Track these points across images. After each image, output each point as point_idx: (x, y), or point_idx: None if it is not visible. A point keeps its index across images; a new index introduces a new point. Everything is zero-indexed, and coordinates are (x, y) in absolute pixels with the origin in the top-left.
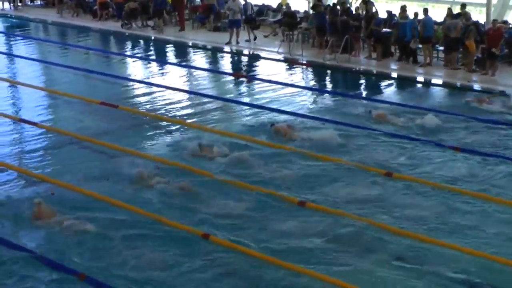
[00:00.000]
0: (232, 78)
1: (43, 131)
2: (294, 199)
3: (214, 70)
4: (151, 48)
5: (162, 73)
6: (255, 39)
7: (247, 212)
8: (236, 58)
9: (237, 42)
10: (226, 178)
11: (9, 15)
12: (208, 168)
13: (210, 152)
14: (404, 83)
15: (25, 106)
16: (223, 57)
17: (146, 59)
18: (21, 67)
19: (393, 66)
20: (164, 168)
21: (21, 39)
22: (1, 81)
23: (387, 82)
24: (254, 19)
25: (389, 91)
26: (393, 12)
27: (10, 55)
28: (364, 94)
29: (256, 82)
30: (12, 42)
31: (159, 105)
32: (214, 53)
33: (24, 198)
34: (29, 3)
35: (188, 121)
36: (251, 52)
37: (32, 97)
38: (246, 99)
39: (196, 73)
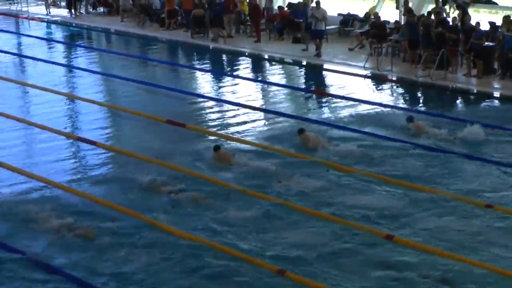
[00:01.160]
0: (312, 95)
1: (102, 151)
2: (379, 231)
3: (292, 86)
4: (223, 60)
5: (235, 88)
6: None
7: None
8: (317, 72)
9: (319, 55)
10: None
11: (69, 24)
12: None
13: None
14: (509, 104)
15: (84, 123)
16: (302, 71)
17: (217, 72)
18: (80, 80)
19: (496, 85)
20: (236, 194)
21: (81, 50)
22: (59, 95)
23: (488, 102)
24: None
25: (491, 112)
26: (497, 24)
27: (69, 67)
28: (461, 115)
29: (339, 100)
30: (71, 53)
31: (231, 125)
32: (292, 67)
33: (86, 222)
34: (91, 10)
35: (265, 143)
36: (334, 67)
37: (91, 113)
38: (327, 119)
39: (272, 89)
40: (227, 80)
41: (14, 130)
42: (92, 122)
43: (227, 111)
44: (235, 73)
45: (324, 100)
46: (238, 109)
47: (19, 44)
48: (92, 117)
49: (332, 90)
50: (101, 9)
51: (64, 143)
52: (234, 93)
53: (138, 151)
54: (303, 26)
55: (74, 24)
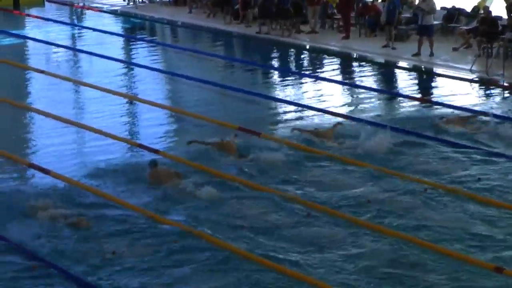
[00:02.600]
0: (411, 102)
1: (166, 161)
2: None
3: (384, 90)
4: (305, 59)
5: (318, 92)
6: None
7: None
8: (414, 75)
9: (431, 54)
10: None
11: (130, 14)
12: None
13: None
14: None
15: (145, 128)
16: (399, 74)
17: (298, 73)
18: (141, 79)
19: None
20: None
21: (142, 44)
22: (117, 95)
23: None
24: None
25: None
26: None
27: (129, 64)
28: None
29: (442, 108)
30: (132, 48)
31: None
32: (387, 69)
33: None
34: None
35: (358, 160)
36: (435, 69)
37: (153, 117)
38: (430, 130)
39: (361, 93)
40: (309, 82)
41: (64, 133)
42: (153, 127)
43: (308, 118)
44: (319, 75)
45: (423, 106)
46: (322, 115)
47: (73, 36)
48: (153, 122)
49: (432, 96)
50: None
51: (125, 150)
52: (317, 97)
53: (205, 163)
54: (401, 21)
55: (135, 15)
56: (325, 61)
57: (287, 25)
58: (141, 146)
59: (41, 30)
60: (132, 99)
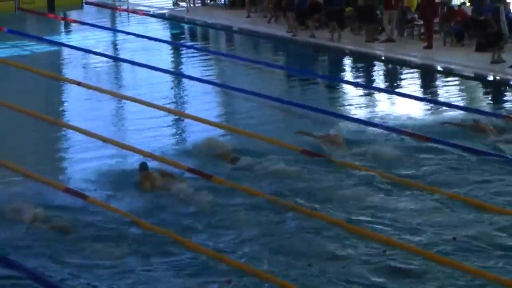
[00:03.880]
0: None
1: (222, 188)
2: None
3: (476, 109)
4: (380, 71)
5: (395, 109)
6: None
7: None
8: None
9: None
10: None
11: (180, 18)
12: None
13: None
14: None
15: (197, 151)
16: (489, 90)
17: (371, 87)
18: (191, 92)
19: None
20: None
21: (193, 53)
22: (164, 111)
23: None
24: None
25: None
26: None
27: (177, 75)
28: None
29: None
30: (181, 56)
31: (396, 162)
32: (475, 84)
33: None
34: (208, 1)
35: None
36: None
37: (201, 137)
38: None
39: (447, 111)
40: (385, 98)
41: (99, 150)
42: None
43: (389, 141)
44: (396, 89)
45: None
46: (401, 139)
47: (115, 43)
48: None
49: None
50: (222, 0)
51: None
52: (395, 116)
53: (269, 191)
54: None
55: (185, 20)
56: (403, 74)
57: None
58: (191, 170)
59: (79, 36)
60: (178, 115)
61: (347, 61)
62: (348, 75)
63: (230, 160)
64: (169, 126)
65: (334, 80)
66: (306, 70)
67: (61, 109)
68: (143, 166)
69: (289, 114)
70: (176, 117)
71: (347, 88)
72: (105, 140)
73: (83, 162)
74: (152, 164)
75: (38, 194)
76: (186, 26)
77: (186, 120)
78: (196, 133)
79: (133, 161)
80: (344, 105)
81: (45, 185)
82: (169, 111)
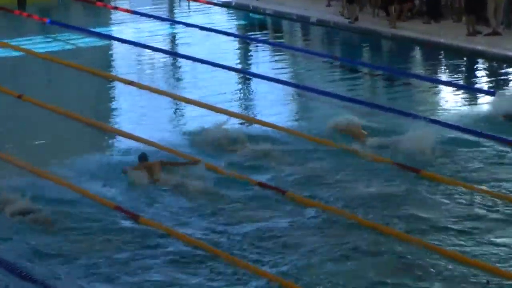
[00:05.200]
0: None
1: (322, 216)
2: None
3: None
4: (484, 70)
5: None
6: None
7: None
8: None
9: None
10: None
11: (250, 8)
12: None
13: None
14: None
15: (287, 170)
16: None
17: (470, 88)
18: (260, 94)
19: None
20: None
21: (263, 47)
22: (228, 115)
23: None
24: None
25: None
26: None
27: (245, 74)
28: None
29: None
30: (249, 52)
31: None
32: None
33: None
34: None
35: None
36: None
37: (277, 148)
38: None
39: None
40: (485, 103)
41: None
42: (279, 164)
43: (493, 157)
44: (505, 92)
45: None
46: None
47: (172, 36)
48: (280, 155)
49: None
50: None
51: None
52: (495, 126)
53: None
54: None
55: (254, 9)
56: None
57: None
58: (262, 184)
59: (131, 28)
60: (245, 120)
61: (441, 57)
62: (442, 73)
63: None
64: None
65: (430, 81)
66: (395, 68)
67: (108, 112)
68: (143, 156)
69: (375, 118)
70: (242, 121)
71: (443, 90)
72: (160, 148)
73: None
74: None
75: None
76: (255, 16)
77: (255, 126)
78: (268, 141)
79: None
80: (437, 108)
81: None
82: (233, 115)
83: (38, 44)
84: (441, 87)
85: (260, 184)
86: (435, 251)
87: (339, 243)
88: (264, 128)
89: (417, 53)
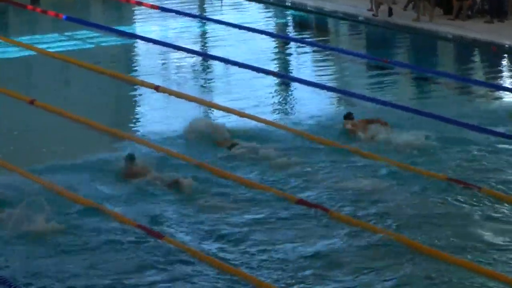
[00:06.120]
0: None
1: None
2: None
3: None
4: None
5: None
6: None
7: None
8: None
9: None
10: None
11: (289, 4)
12: None
13: None
14: None
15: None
16: None
17: None
18: (302, 101)
19: None
20: None
21: (305, 49)
22: (267, 124)
23: None
24: None
25: None
26: None
27: (283, 78)
28: None
29: None
30: (288, 54)
31: None
32: None
33: None
34: None
35: None
36: None
37: (325, 167)
38: None
39: None
40: None
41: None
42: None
43: None
44: None
45: None
46: None
47: (203, 35)
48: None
49: None
50: None
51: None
52: None
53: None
54: None
55: (294, 5)
56: None
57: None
58: (302, 202)
59: (158, 25)
60: (284, 129)
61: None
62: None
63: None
64: (275, 142)
65: (494, 87)
66: (462, 77)
67: (130, 121)
68: (130, 157)
69: (428, 127)
70: (283, 132)
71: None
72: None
73: None
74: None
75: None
76: (296, 14)
77: (297, 137)
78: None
79: None
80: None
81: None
82: (272, 124)
83: (53, 43)
84: (504, 94)
85: (301, 202)
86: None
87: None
88: (306, 140)
89: (478, 56)
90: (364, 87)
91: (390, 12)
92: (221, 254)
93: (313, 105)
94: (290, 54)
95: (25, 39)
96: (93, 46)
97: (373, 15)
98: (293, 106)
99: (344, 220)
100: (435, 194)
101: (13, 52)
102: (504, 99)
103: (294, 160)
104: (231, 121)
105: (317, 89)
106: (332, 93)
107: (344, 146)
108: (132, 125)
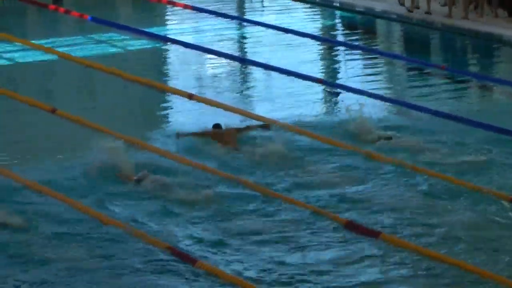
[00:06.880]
0: None
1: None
2: None
3: None
4: None
5: None
6: None
7: None
8: None
9: None
10: None
11: (338, 5)
12: None
13: None
14: None
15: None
16: None
17: None
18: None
19: None
20: None
21: (354, 55)
22: (312, 138)
23: None
24: None
25: None
26: None
27: (331, 86)
28: None
29: None
30: (336, 59)
31: None
32: None
33: None
34: None
35: None
36: None
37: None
38: None
39: None
40: None
41: None
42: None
43: None
44: None
45: None
46: None
47: (241, 38)
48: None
49: None
50: None
51: None
52: None
53: None
54: None
55: (343, 5)
56: None
57: None
58: (352, 224)
59: (191, 27)
60: (330, 143)
61: None
62: None
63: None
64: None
65: None
66: None
67: (162, 135)
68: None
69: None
70: (330, 146)
71: None
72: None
73: None
74: None
75: None
76: (345, 15)
77: (349, 156)
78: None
79: None
80: None
81: None
82: (318, 138)
83: (77, 46)
84: None
85: (350, 224)
86: None
87: None
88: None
89: None
90: (418, 96)
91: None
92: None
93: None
94: (337, 59)
95: (46, 42)
96: (120, 50)
97: (408, 10)
98: (341, 118)
99: (396, 243)
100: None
101: (33, 56)
102: None
103: (347, 179)
104: (271, 134)
105: (370, 99)
106: (383, 102)
107: (405, 163)
108: (162, 137)
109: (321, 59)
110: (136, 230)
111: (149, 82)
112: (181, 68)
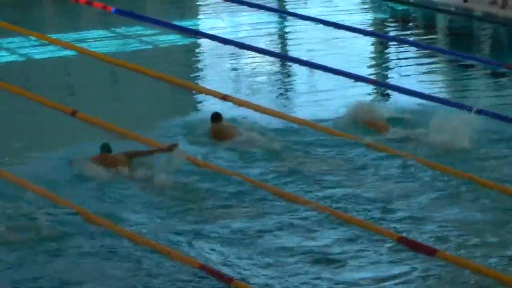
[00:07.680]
0: None
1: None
2: None
3: None
4: None
5: None
6: None
7: None
8: None
9: None
10: None
11: None
12: None
13: None
14: None
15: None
16: None
17: None
18: (408, 113)
19: None
20: None
21: (407, 52)
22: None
23: None
24: None
25: None
26: None
27: (383, 86)
28: None
29: None
30: (388, 56)
31: None
32: None
33: None
34: None
35: None
36: None
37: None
38: None
39: None
40: None
41: None
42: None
43: None
44: None
45: None
46: None
47: (282, 34)
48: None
49: None
50: None
51: None
52: None
53: None
54: None
55: None
56: None
57: None
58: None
59: (226, 21)
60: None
61: None
62: None
63: None
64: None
65: None
66: None
67: (193, 140)
68: (105, 148)
69: None
70: (383, 154)
71: None
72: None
73: None
74: None
75: None
76: (399, 8)
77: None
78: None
79: None
80: None
81: None
82: (370, 145)
83: (99, 42)
84: None
85: (402, 240)
86: None
87: None
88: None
89: None
90: (483, 99)
91: None
92: None
93: (420, 121)
94: (389, 57)
95: (65, 36)
96: (148, 45)
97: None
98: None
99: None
100: None
101: (50, 52)
102: None
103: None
104: (321, 138)
105: (424, 101)
106: (441, 104)
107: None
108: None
109: (371, 56)
110: (166, 247)
111: (179, 81)
112: (214, 66)
